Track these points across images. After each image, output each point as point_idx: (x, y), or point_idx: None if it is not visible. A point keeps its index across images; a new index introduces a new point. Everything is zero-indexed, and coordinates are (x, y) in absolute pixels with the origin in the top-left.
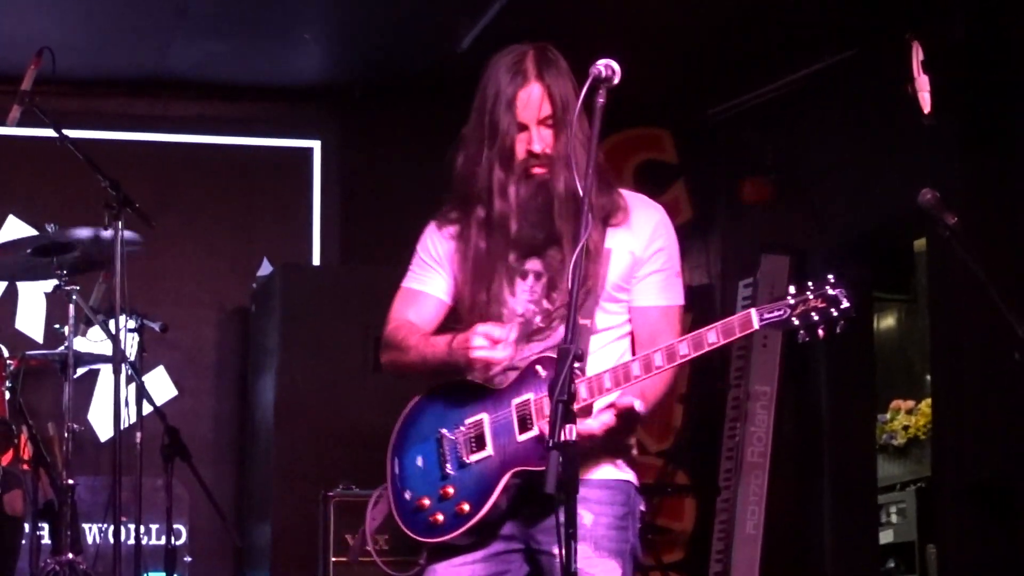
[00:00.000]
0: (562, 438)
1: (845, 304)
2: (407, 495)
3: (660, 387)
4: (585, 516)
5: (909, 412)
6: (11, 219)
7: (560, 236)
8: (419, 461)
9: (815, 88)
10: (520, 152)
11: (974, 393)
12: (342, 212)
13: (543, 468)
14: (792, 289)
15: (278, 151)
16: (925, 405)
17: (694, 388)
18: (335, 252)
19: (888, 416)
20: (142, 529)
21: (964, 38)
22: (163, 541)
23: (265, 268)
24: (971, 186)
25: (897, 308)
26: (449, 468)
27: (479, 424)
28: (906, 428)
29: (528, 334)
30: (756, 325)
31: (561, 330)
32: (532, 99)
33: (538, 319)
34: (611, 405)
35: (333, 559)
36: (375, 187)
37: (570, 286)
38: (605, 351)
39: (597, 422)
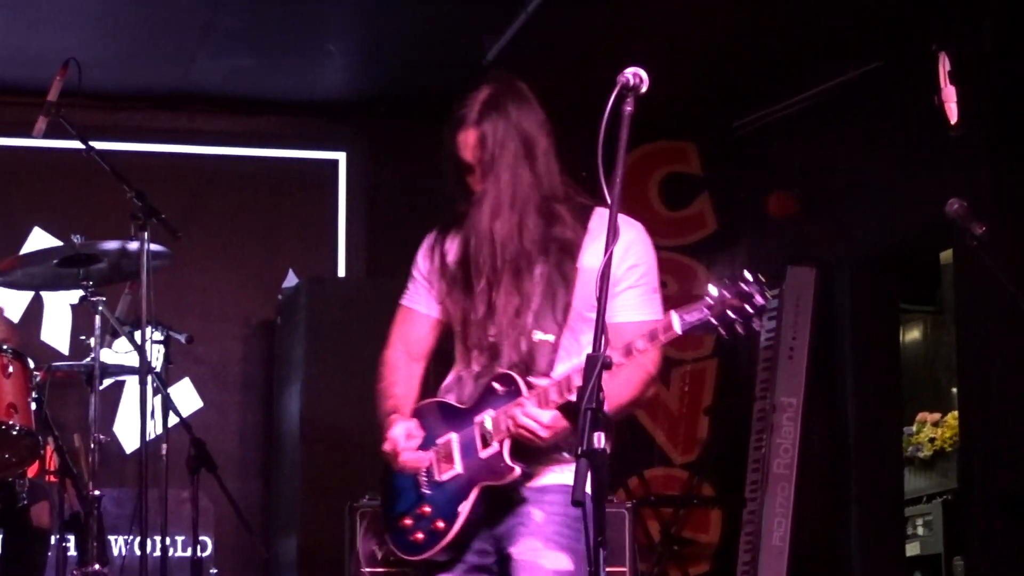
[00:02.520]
0: (592, 446)
1: (758, 300)
2: (393, 514)
3: (625, 394)
4: (536, 514)
5: (935, 424)
6: (36, 231)
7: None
8: (402, 480)
9: (841, 100)
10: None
11: (1001, 404)
12: (367, 225)
13: (503, 482)
14: (712, 289)
15: (303, 163)
16: (951, 417)
17: (719, 400)
18: (360, 265)
19: (914, 428)
20: (168, 541)
21: (991, 48)
22: (189, 553)
23: (291, 280)
24: (999, 197)
25: (923, 320)
26: (424, 487)
27: (448, 443)
28: (932, 440)
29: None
30: (679, 330)
31: (506, 350)
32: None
33: (491, 334)
34: (562, 405)
35: (364, 570)
36: (400, 200)
37: (598, 294)
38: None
39: (539, 422)
